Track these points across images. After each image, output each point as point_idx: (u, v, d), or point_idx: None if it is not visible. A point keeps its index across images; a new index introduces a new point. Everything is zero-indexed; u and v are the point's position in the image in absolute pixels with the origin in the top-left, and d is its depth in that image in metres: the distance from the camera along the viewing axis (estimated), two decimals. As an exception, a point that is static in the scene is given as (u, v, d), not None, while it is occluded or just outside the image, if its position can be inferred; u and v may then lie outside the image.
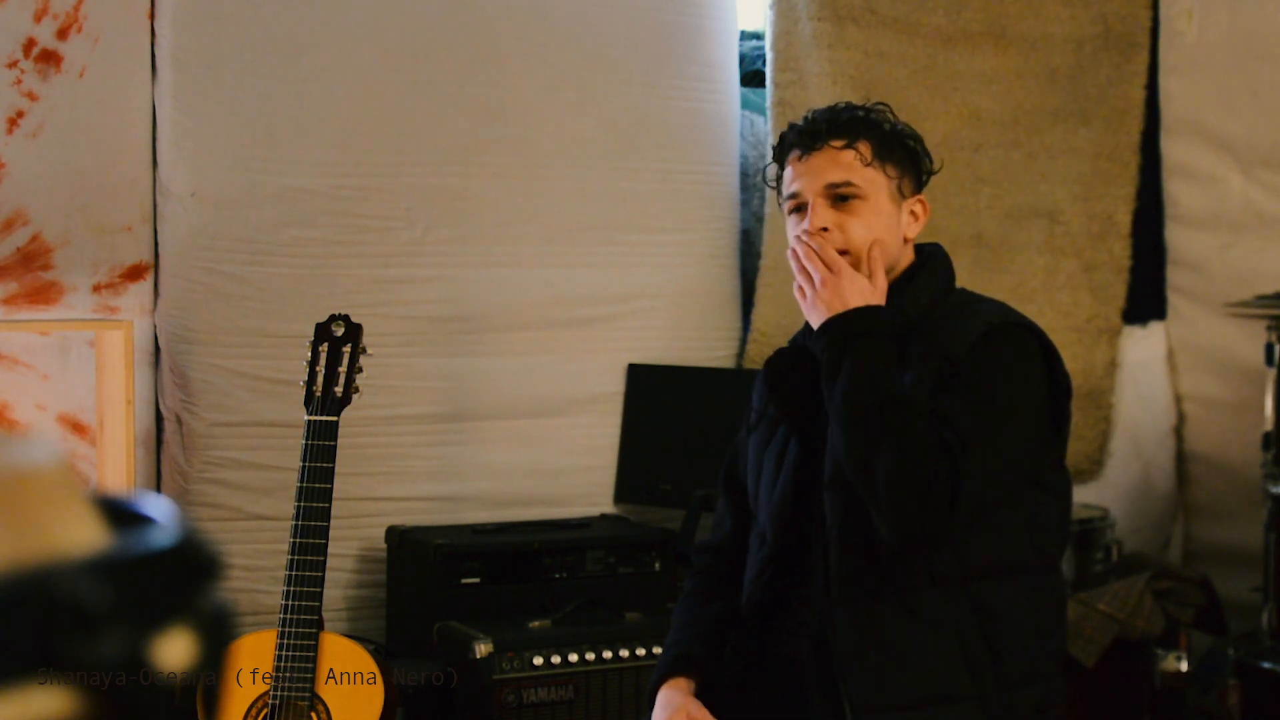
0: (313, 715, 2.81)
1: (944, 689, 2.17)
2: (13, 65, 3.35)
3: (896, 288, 2.30)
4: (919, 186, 2.36)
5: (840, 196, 2.28)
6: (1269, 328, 3.83)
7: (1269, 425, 3.81)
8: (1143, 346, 4.47)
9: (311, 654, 2.80)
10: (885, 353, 2.18)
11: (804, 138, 2.32)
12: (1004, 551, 2.23)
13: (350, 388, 2.96)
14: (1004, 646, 2.19)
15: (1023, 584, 2.24)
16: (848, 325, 2.19)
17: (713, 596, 2.47)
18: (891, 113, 2.38)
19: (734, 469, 2.51)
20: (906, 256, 2.35)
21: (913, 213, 2.34)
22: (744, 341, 4.04)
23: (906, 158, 2.34)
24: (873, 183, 2.29)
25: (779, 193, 2.39)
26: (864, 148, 2.29)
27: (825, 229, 2.27)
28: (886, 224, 2.29)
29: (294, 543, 2.84)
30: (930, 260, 2.35)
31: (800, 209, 2.31)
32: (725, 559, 2.49)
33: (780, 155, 2.37)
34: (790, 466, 2.32)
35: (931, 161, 2.40)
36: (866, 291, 2.22)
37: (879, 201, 2.29)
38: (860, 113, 2.34)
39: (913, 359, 2.22)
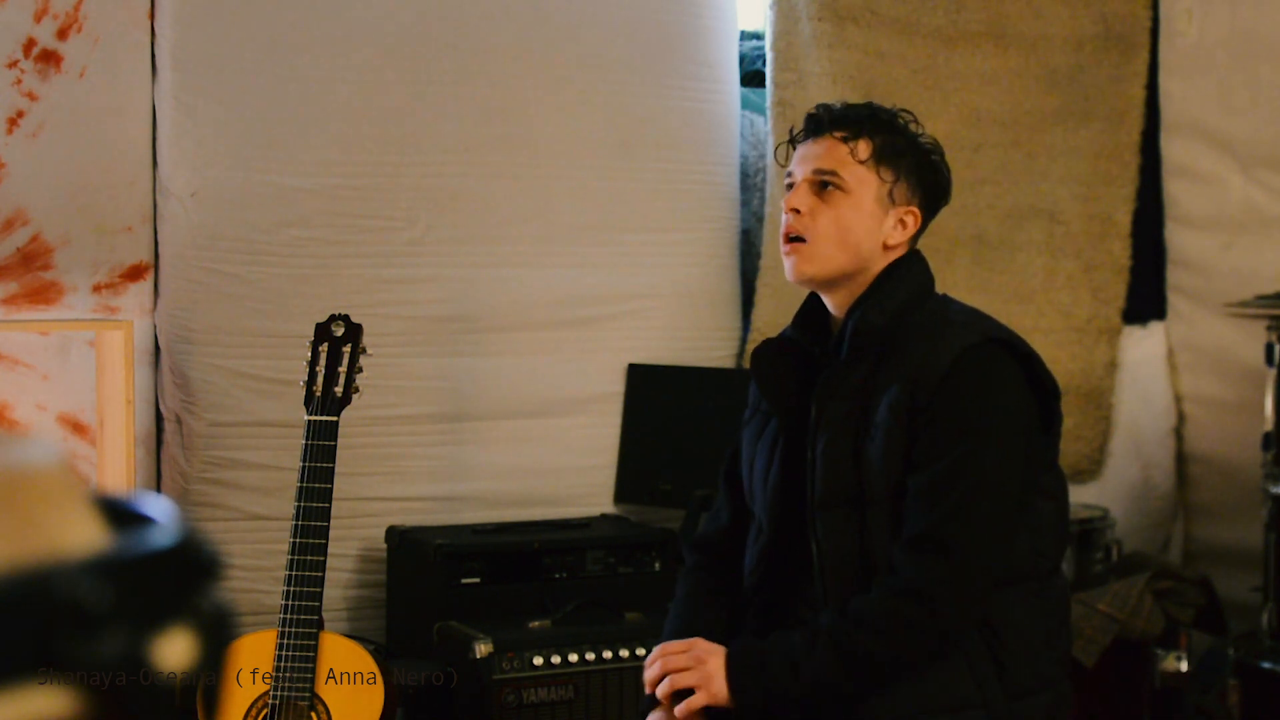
0: (313, 715, 2.81)
1: (950, 699, 2.17)
2: (13, 65, 3.35)
3: (864, 295, 2.28)
4: (918, 197, 2.32)
5: (823, 184, 2.28)
6: (1269, 328, 3.83)
7: (1269, 425, 3.81)
8: (1143, 346, 4.47)
9: (311, 654, 2.80)
10: (786, 662, 2.18)
11: (812, 123, 2.34)
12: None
13: (350, 388, 2.96)
14: (1009, 657, 2.19)
15: (1026, 592, 2.23)
16: (759, 688, 2.19)
17: (707, 598, 2.45)
18: (916, 121, 2.36)
19: (733, 464, 2.51)
20: (882, 262, 2.31)
21: (901, 221, 2.30)
22: (744, 341, 4.04)
23: (912, 166, 2.31)
24: (861, 181, 2.27)
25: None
26: (864, 145, 2.28)
27: (798, 210, 2.28)
28: (864, 224, 2.27)
29: (294, 543, 2.84)
30: (901, 267, 2.31)
31: (791, 187, 2.33)
32: (720, 557, 2.48)
33: (794, 137, 2.38)
34: (780, 456, 2.33)
35: (948, 180, 2.37)
36: (709, 671, 2.22)
37: (862, 199, 2.27)
38: (881, 114, 2.32)
39: (883, 381, 2.21)
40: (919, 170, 2.32)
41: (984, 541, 2.15)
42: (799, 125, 2.39)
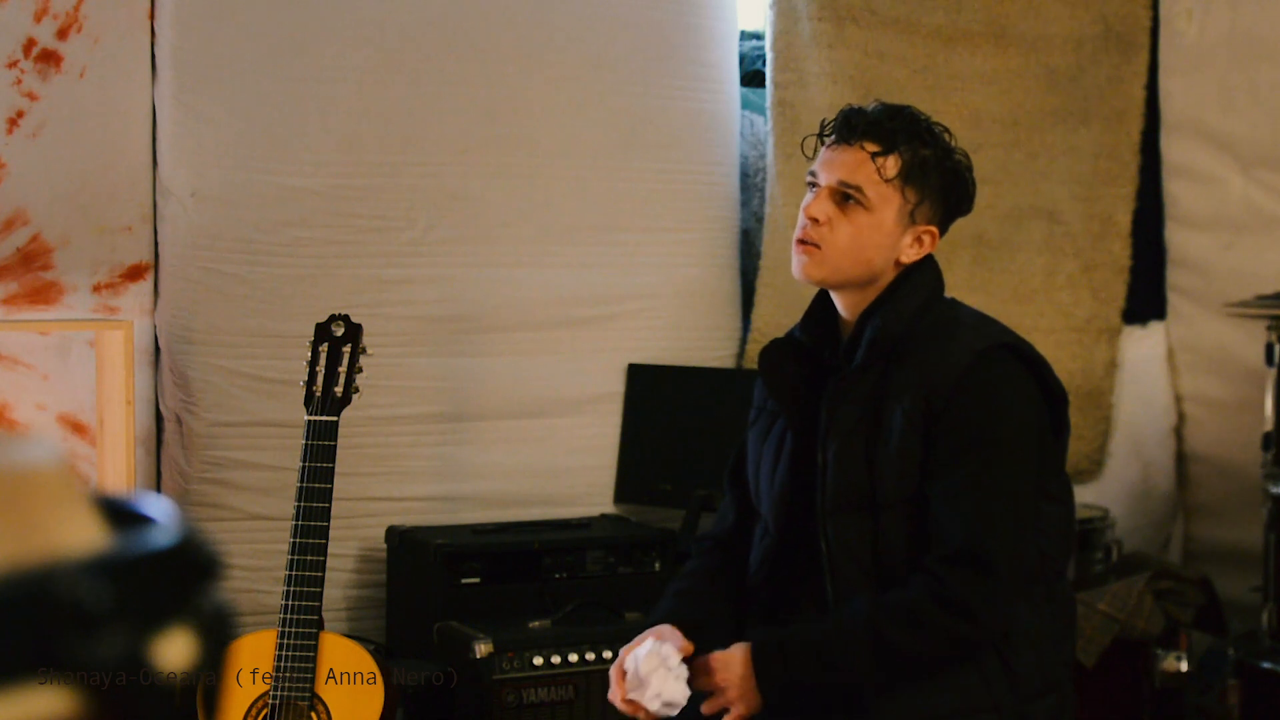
0: (313, 715, 2.81)
1: (961, 703, 2.19)
2: (13, 65, 3.35)
3: (879, 301, 2.29)
4: (939, 216, 2.31)
5: (845, 196, 2.27)
6: (1269, 328, 3.83)
7: (1269, 425, 3.80)
8: (1143, 346, 4.47)
9: (311, 654, 2.80)
10: (820, 651, 2.19)
11: (845, 125, 2.30)
12: None
13: (350, 388, 2.96)
14: (1018, 661, 2.21)
15: (1034, 596, 2.25)
16: (780, 681, 2.20)
17: (716, 575, 2.46)
18: (949, 132, 2.33)
19: (738, 465, 2.52)
20: (893, 272, 2.30)
21: (918, 239, 2.29)
22: (744, 341, 4.05)
23: (937, 185, 2.28)
24: (884, 199, 2.25)
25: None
26: (892, 161, 2.25)
27: (817, 219, 2.27)
28: (881, 241, 2.26)
29: (294, 543, 2.84)
30: (915, 273, 2.31)
31: (814, 188, 2.31)
32: (727, 550, 2.49)
33: (824, 130, 2.35)
34: (787, 456, 2.33)
35: (972, 197, 2.35)
36: (738, 679, 2.22)
37: (882, 218, 2.26)
38: (915, 126, 2.29)
39: (896, 387, 2.22)
40: (944, 190, 2.29)
41: (1013, 552, 2.17)
42: (802, 125, 2.38)
